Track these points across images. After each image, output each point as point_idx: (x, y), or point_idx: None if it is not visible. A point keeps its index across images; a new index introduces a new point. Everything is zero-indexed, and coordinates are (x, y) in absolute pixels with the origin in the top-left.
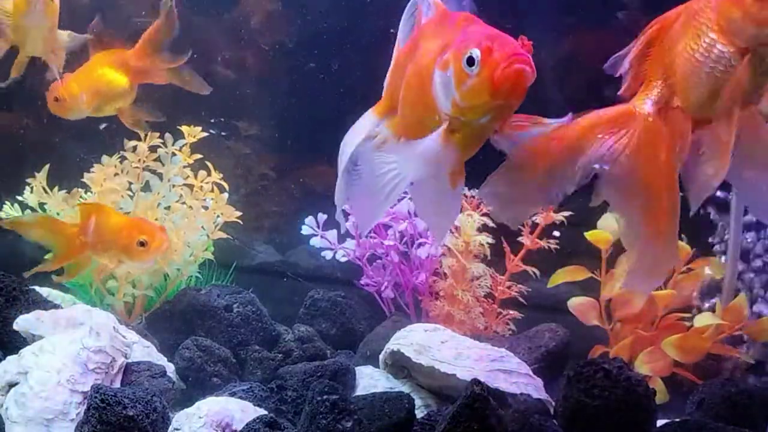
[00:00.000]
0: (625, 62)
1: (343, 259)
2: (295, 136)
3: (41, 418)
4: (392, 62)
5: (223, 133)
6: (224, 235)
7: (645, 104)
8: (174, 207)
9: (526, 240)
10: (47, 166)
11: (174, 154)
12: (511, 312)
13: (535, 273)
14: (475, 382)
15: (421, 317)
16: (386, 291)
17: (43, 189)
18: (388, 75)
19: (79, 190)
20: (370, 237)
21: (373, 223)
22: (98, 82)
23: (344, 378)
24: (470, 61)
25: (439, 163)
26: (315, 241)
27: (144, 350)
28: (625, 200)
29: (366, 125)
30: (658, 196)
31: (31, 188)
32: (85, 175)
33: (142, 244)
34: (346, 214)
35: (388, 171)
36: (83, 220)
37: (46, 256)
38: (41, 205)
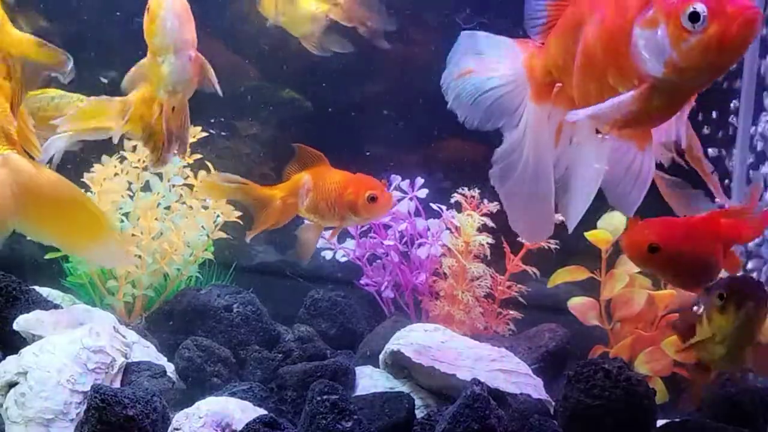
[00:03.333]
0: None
1: (343, 259)
2: (296, 136)
3: (41, 418)
4: (550, 36)
5: (223, 133)
6: (224, 235)
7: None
8: (174, 207)
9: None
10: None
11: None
12: (511, 312)
13: (535, 273)
14: (475, 382)
15: (421, 317)
16: (386, 291)
17: None
18: (525, 60)
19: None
20: (370, 237)
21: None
22: None
23: (344, 378)
24: (694, 17)
25: (633, 123)
26: None
27: (144, 350)
28: None
29: (542, 121)
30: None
31: None
32: (85, 175)
33: (372, 198)
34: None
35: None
36: (294, 183)
37: (47, 255)
38: None
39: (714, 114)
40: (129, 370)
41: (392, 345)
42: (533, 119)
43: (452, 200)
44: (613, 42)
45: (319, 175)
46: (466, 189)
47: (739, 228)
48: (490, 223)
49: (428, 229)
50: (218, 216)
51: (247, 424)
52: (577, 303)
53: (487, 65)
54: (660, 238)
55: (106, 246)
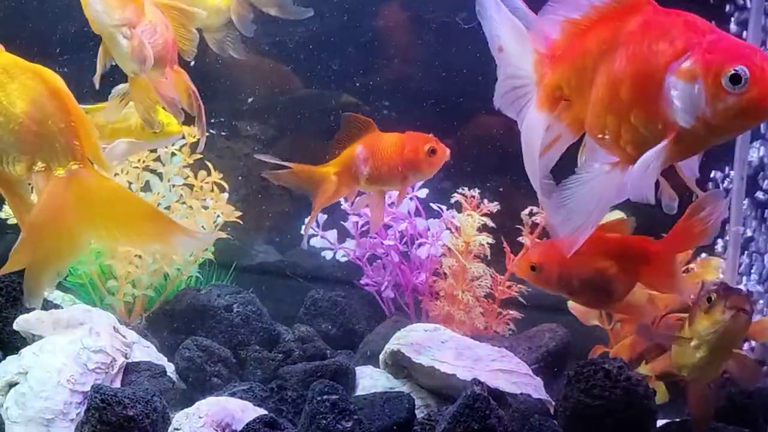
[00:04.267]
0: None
1: (343, 259)
2: (296, 136)
3: (41, 418)
4: (567, 53)
5: (223, 133)
6: (224, 235)
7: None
8: (174, 207)
9: (526, 240)
10: None
11: (174, 154)
12: (511, 312)
13: None
14: (475, 382)
15: (421, 317)
16: (386, 291)
17: None
18: (536, 63)
19: None
20: (370, 237)
21: (580, 241)
22: None
23: (344, 378)
24: (735, 79)
25: (653, 174)
26: (315, 241)
27: (144, 350)
28: None
29: (538, 129)
30: None
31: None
32: None
33: (432, 151)
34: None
35: (597, 189)
36: (348, 155)
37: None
38: None
39: None
40: (129, 370)
41: (392, 345)
42: (532, 124)
43: (452, 200)
44: (642, 83)
45: (373, 142)
46: (466, 189)
47: (633, 244)
48: (490, 223)
49: (428, 229)
50: (218, 216)
51: (247, 424)
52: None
53: (509, 49)
54: (539, 258)
55: (179, 240)
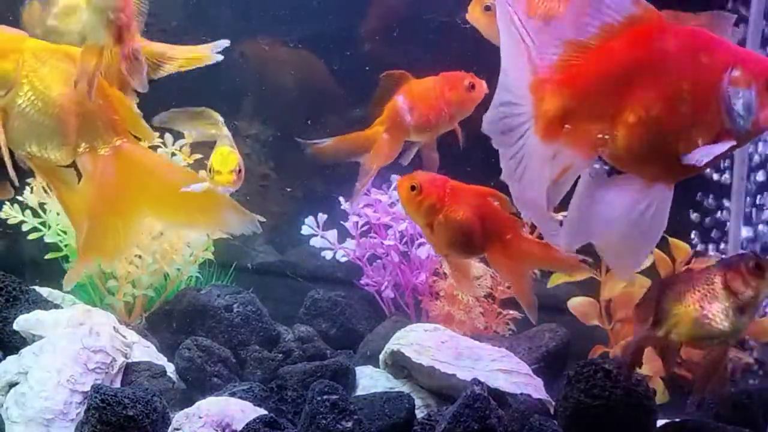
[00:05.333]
0: None
1: (343, 259)
2: (296, 136)
3: (41, 418)
4: (578, 77)
5: None
6: (224, 235)
7: None
8: None
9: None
10: None
11: (174, 154)
12: (511, 312)
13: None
14: (475, 382)
15: (421, 317)
16: (386, 291)
17: (44, 189)
18: (533, 87)
19: None
20: (370, 237)
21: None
22: None
23: (344, 378)
24: None
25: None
26: (315, 241)
27: (144, 350)
28: None
29: (545, 159)
30: None
31: (31, 188)
32: None
33: (472, 86)
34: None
35: (645, 213)
36: (391, 110)
37: (47, 255)
38: (41, 205)
39: None
40: (129, 370)
41: (392, 345)
42: (536, 154)
43: None
44: (701, 96)
45: (412, 91)
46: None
47: (502, 218)
48: None
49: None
50: None
51: (247, 424)
52: (577, 303)
53: (505, 69)
54: (423, 182)
55: (226, 216)
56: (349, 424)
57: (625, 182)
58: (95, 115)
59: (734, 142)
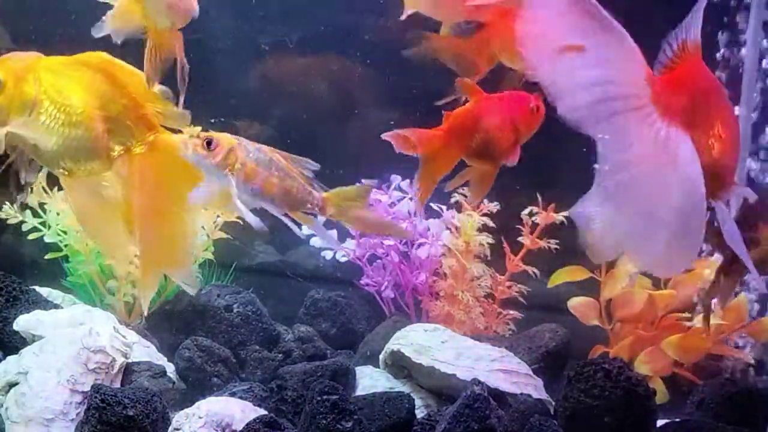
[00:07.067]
0: None
1: (343, 259)
2: (296, 136)
3: (41, 418)
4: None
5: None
6: (224, 235)
7: None
8: None
9: (526, 240)
10: None
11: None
12: (511, 312)
13: (535, 273)
14: (475, 382)
15: (421, 317)
16: (386, 291)
17: (43, 189)
18: (648, 79)
19: None
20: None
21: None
22: None
23: (344, 378)
24: None
25: None
26: (315, 241)
27: (144, 350)
28: None
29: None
30: None
31: (31, 189)
32: None
33: (537, 108)
34: None
35: None
36: (456, 115)
37: (47, 255)
38: (41, 205)
39: None
40: (129, 370)
41: (392, 345)
42: (680, 145)
43: (452, 200)
44: None
45: (480, 104)
46: (466, 189)
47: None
48: (490, 223)
49: (428, 229)
50: (218, 216)
51: (247, 424)
52: (577, 303)
53: (602, 52)
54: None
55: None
56: (349, 424)
57: None
58: (123, 115)
59: None
